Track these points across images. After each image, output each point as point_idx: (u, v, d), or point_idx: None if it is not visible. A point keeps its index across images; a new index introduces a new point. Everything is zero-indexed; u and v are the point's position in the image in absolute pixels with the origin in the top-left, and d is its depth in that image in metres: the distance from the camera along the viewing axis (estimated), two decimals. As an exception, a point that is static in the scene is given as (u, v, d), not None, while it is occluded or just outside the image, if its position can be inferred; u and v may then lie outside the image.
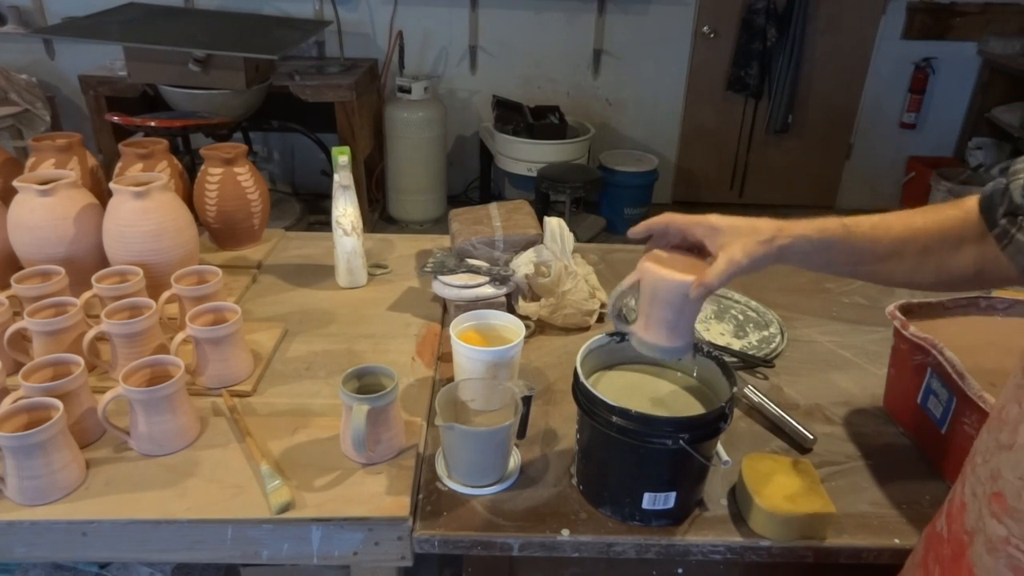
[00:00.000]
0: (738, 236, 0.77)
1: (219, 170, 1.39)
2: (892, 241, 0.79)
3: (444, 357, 1.16)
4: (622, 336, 0.94)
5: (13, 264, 1.21)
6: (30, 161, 1.32)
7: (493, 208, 1.42)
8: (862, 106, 4.13)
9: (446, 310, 1.28)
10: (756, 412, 1.06)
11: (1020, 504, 0.55)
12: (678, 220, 0.80)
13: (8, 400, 0.86)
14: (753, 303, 1.33)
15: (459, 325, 1.06)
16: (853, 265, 0.81)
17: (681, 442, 0.78)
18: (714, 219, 0.78)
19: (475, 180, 4.18)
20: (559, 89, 4.03)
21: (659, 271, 0.78)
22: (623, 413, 0.79)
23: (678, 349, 0.81)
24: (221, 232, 1.44)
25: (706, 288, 0.75)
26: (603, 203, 3.85)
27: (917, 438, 1.01)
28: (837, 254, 0.80)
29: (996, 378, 0.89)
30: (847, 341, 1.25)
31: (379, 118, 3.80)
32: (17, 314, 1.06)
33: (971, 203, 0.78)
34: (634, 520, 0.86)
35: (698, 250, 0.81)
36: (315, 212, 3.79)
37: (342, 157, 1.27)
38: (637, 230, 0.82)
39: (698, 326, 1.26)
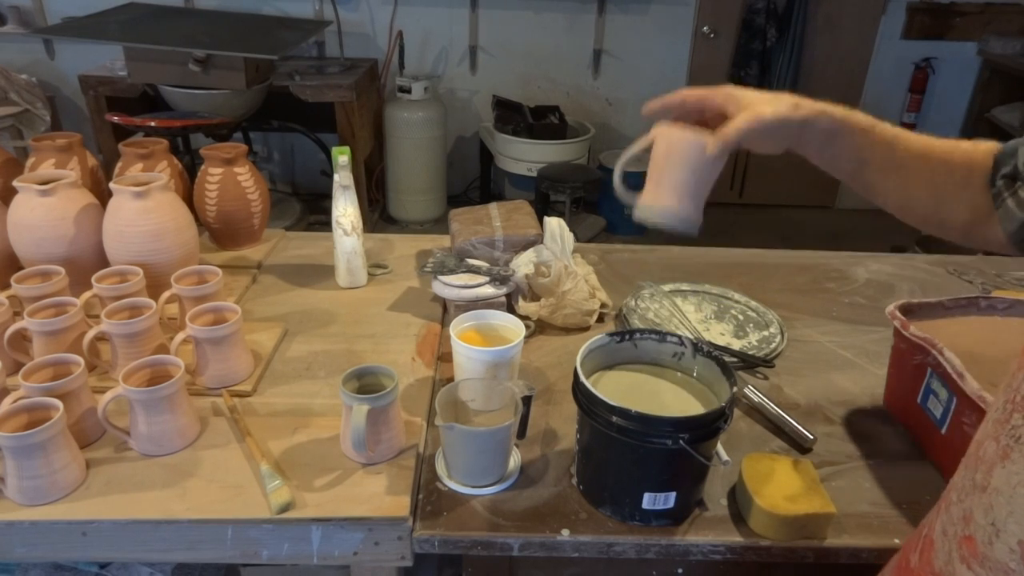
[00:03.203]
0: (762, 98, 0.75)
1: (219, 170, 1.39)
2: (907, 153, 0.77)
3: (444, 357, 1.16)
4: (622, 336, 0.94)
5: (13, 264, 1.21)
6: (30, 161, 1.32)
7: (493, 208, 1.42)
8: (862, 106, 4.05)
9: (446, 310, 1.28)
10: (756, 412, 1.06)
11: (991, 551, 0.52)
12: (695, 92, 0.78)
13: (8, 400, 0.86)
14: (753, 303, 1.33)
15: (459, 325, 1.06)
16: (861, 163, 0.79)
17: (681, 442, 0.78)
18: (733, 87, 0.77)
19: (475, 180, 4.18)
20: (559, 89, 4.03)
21: (675, 130, 0.75)
22: (623, 413, 0.79)
23: (689, 217, 0.76)
24: (221, 232, 1.44)
25: (725, 142, 0.72)
26: (603, 203, 3.85)
27: (917, 438, 1.01)
28: (851, 146, 0.77)
29: (996, 378, 0.89)
30: (847, 341, 1.25)
31: (379, 118, 3.80)
32: (17, 314, 1.06)
33: (988, 148, 0.77)
34: (634, 520, 0.86)
35: (713, 127, 0.78)
36: (315, 212, 3.79)
37: (342, 157, 1.27)
38: (652, 106, 0.79)
39: (698, 326, 1.26)
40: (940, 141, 0.79)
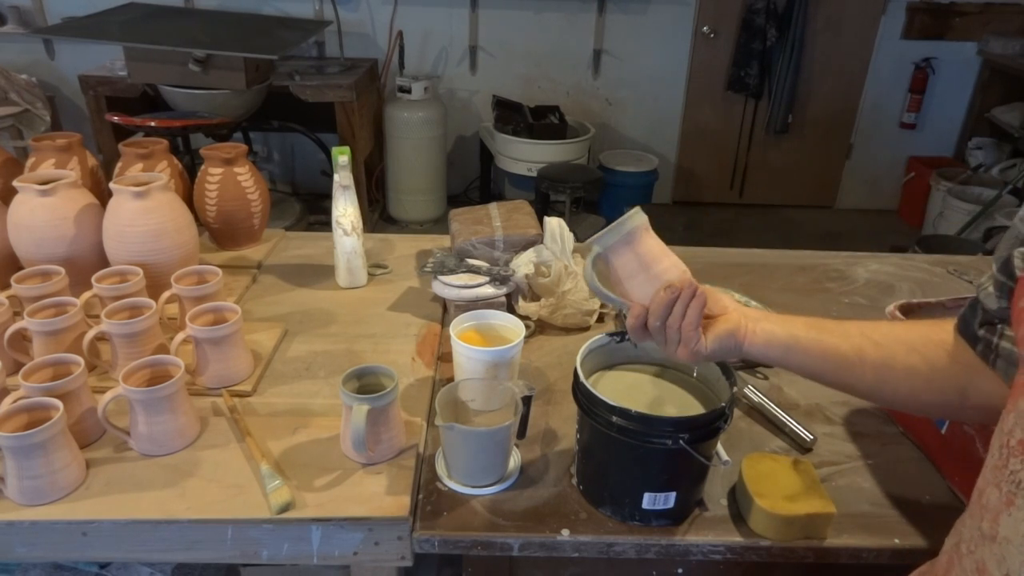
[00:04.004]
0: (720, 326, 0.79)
1: (219, 170, 1.39)
2: (857, 342, 0.77)
3: (444, 357, 1.16)
4: (622, 336, 0.94)
5: (13, 264, 1.21)
6: (30, 161, 1.32)
7: (493, 208, 1.42)
8: (862, 106, 4.13)
9: (446, 310, 1.28)
10: (756, 412, 1.06)
11: None
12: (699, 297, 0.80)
13: (8, 400, 0.86)
14: (753, 303, 1.33)
15: (459, 325, 1.06)
16: (819, 377, 0.80)
17: (681, 442, 0.78)
18: (723, 299, 0.81)
19: (475, 180, 4.18)
20: (559, 89, 4.03)
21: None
22: (623, 413, 0.79)
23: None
24: (221, 232, 1.44)
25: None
26: (603, 203, 3.85)
27: (917, 438, 1.01)
28: (799, 355, 0.79)
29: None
30: (847, 341, 1.25)
31: (379, 118, 3.80)
32: (17, 314, 1.06)
33: (948, 323, 0.75)
34: (634, 520, 0.86)
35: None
36: (315, 212, 3.79)
37: (342, 157, 1.27)
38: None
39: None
40: (890, 323, 0.78)
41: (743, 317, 0.79)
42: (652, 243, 0.81)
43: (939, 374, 0.74)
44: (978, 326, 0.71)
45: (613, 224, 0.80)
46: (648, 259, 0.79)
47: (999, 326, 0.69)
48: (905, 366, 0.75)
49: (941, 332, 0.75)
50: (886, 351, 0.76)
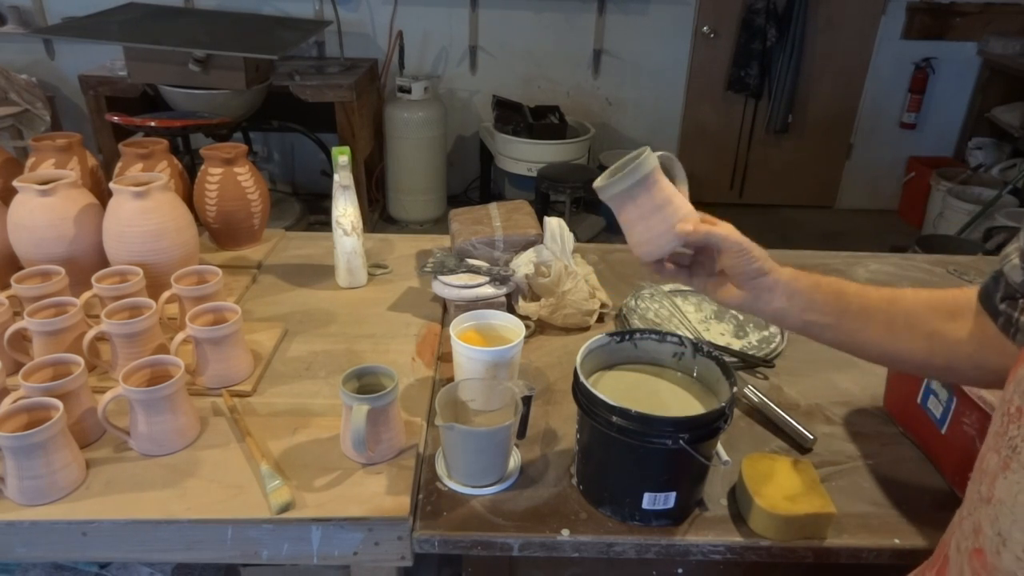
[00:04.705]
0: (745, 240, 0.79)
1: (219, 170, 1.39)
2: (880, 297, 0.77)
3: (444, 357, 1.16)
4: (622, 336, 0.94)
5: (13, 264, 1.21)
6: (30, 161, 1.32)
7: (493, 208, 1.42)
8: (862, 106, 4.13)
9: (446, 310, 1.28)
10: (756, 412, 1.06)
11: (999, 561, 0.53)
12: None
13: (8, 400, 0.86)
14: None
15: (459, 325, 1.06)
16: (836, 316, 0.79)
17: (681, 442, 0.78)
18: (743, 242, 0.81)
19: (475, 180, 4.18)
20: (559, 89, 4.03)
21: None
22: (623, 413, 0.79)
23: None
24: (221, 232, 1.44)
25: (690, 233, 0.78)
26: (603, 203, 3.84)
27: (917, 438, 1.01)
28: (823, 298, 0.79)
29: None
30: (847, 341, 1.25)
31: (379, 118, 3.80)
32: (17, 314, 1.06)
33: (969, 290, 0.75)
34: (634, 520, 0.86)
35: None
36: (315, 212, 3.79)
37: (342, 157, 1.27)
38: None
39: (698, 326, 1.26)
40: (910, 289, 0.79)
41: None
42: (664, 182, 0.81)
43: (952, 343, 0.74)
44: (999, 300, 0.70)
45: (626, 167, 0.79)
46: (663, 198, 0.80)
47: (1021, 301, 0.68)
48: (927, 329, 0.75)
49: (965, 299, 0.75)
50: (910, 307, 0.76)
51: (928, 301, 0.77)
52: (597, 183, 0.82)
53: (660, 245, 0.80)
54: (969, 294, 0.75)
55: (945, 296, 0.76)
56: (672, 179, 0.82)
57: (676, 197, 0.81)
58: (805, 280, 0.80)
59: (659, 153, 0.81)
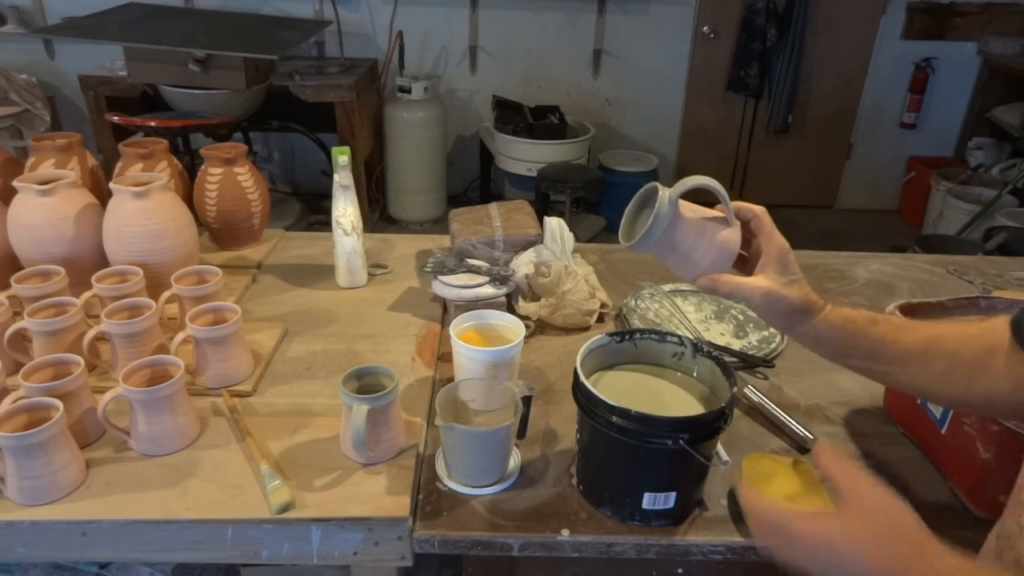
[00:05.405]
0: (775, 260, 0.76)
1: (219, 170, 1.39)
2: (916, 341, 0.75)
3: (444, 357, 1.16)
4: (622, 336, 0.94)
5: (13, 264, 1.21)
6: (30, 161, 1.32)
7: (493, 208, 1.42)
8: (862, 106, 4.13)
9: (446, 310, 1.28)
10: (756, 412, 1.06)
11: None
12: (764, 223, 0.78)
13: (8, 400, 0.86)
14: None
15: (459, 325, 1.06)
16: (869, 361, 0.78)
17: (681, 442, 0.78)
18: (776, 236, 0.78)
19: (475, 180, 4.18)
20: (559, 89, 4.03)
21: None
22: (623, 413, 0.79)
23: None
24: (221, 232, 1.44)
25: (713, 286, 0.76)
26: (603, 203, 3.85)
27: (917, 438, 1.01)
28: (854, 343, 0.78)
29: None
30: (847, 341, 1.25)
31: (379, 118, 3.80)
32: (17, 314, 1.06)
33: (999, 319, 0.73)
34: (634, 520, 0.86)
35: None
36: (315, 212, 3.79)
37: (342, 157, 1.27)
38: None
39: (698, 326, 1.26)
40: (943, 323, 0.77)
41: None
42: (688, 212, 0.78)
43: (990, 380, 0.72)
44: None
45: (642, 209, 0.79)
46: (697, 230, 0.78)
47: None
48: (970, 362, 0.73)
49: (1001, 329, 0.73)
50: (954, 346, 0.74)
51: (965, 338, 0.74)
52: (625, 242, 0.80)
53: (717, 270, 0.78)
54: (1004, 325, 0.72)
55: (982, 330, 0.74)
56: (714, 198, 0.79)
57: (706, 223, 0.78)
58: (838, 324, 0.78)
59: (695, 181, 0.78)
